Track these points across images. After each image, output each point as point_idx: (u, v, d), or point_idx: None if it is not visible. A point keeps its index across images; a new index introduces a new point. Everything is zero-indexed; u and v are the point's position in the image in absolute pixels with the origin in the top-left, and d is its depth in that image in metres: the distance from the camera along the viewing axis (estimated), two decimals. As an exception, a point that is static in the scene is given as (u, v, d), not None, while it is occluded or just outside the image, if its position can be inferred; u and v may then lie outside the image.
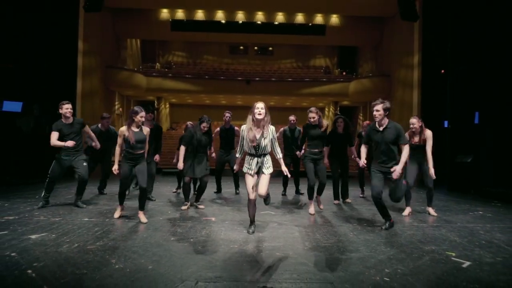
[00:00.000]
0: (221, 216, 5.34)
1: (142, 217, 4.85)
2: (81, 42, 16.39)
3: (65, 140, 5.40)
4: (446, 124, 11.61)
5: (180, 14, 22.01)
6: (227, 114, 7.47)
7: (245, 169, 4.25)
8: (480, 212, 6.13)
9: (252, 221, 4.42)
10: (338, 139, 6.44)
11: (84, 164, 5.68)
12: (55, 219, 4.87)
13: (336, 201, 6.77)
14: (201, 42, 26.41)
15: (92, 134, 6.03)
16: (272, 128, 4.20)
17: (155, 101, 25.76)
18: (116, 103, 22.84)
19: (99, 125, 6.98)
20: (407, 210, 5.80)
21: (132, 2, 19.72)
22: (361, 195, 7.83)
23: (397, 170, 4.37)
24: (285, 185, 7.82)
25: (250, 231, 4.32)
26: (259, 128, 4.14)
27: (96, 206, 5.96)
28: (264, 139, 4.12)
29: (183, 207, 5.91)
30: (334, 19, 22.45)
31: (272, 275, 2.95)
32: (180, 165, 5.60)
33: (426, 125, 5.62)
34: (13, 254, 3.32)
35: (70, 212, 5.41)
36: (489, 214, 5.99)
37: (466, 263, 3.34)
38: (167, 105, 27.63)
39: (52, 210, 5.49)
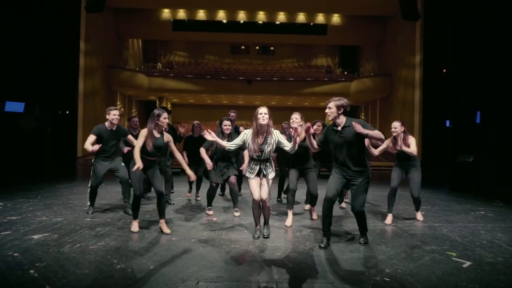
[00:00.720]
0: (223, 216, 5.35)
1: (164, 227, 4.30)
2: (82, 42, 16.46)
3: (103, 146, 5.15)
4: (447, 123, 11.60)
5: (181, 14, 22.05)
6: (232, 114, 7.28)
7: (247, 174, 4.19)
8: (482, 212, 6.13)
9: (257, 224, 4.23)
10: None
11: (122, 164, 5.42)
12: (57, 219, 4.89)
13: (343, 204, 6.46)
14: (203, 42, 26.45)
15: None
16: (276, 132, 4.11)
17: (157, 101, 25.82)
18: (118, 103, 22.90)
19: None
20: (389, 218, 5.10)
21: (134, 2, 19.78)
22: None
23: (358, 126, 3.59)
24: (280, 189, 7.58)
25: (256, 236, 4.13)
26: (262, 135, 4.05)
27: (98, 207, 5.98)
28: (267, 146, 4.05)
29: (208, 212, 5.55)
30: (336, 18, 22.45)
31: (273, 275, 2.97)
32: (209, 163, 5.13)
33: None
34: (15, 254, 3.35)
35: (73, 212, 5.44)
36: (491, 214, 5.99)
37: (467, 263, 3.34)
38: (169, 105, 27.68)
39: (55, 210, 5.52)
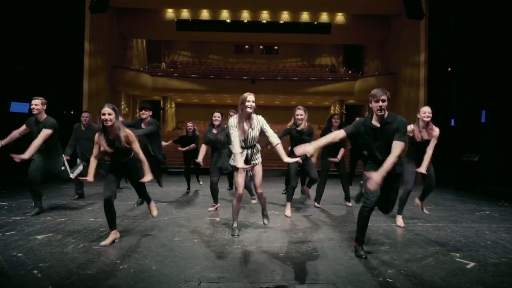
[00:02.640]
0: (225, 216, 5.35)
1: (153, 209, 4.39)
2: (87, 43, 16.52)
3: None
4: (452, 122, 11.53)
5: (185, 14, 22.07)
6: (232, 113, 7.45)
7: (232, 162, 4.16)
8: (487, 212, 6.08)
9: (235, 221, 4.27)
10: None
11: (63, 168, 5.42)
12: (61, 219, 4.92)
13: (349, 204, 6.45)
14: (207, 42, 26.46)
15: None
16: (260, 117, 4.14)
17: (161, 101, 25.90)
18: (122, 103, 22.98)
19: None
20: (400, 219, 4.95)
21: (138, 2, 19.81)
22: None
23: (375, 178, 3.16)
24: (287, 184, 7.71)
25: (236, 234, 4.15)
26: (248, 120, 4.09)
27: (102, 207, 6.00)
28: (253, 130, 4.09)
29: (211, 209, 5.80)
30: (339, 17, 22.36)
31: (275, 276, 2.96)
32: (200, 160, 5.64)
33: (433, 123, 5.10)
34: (19, 254, 3.37)
35: (77, 212, 5.46)
36: (496, 214, 5.94)
37: (471, 264, 3.32)
38: (173, 105, 27.73)
39: (59, 210, 5.56)
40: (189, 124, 8.11)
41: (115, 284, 2.75)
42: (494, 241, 4.15)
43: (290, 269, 3.13)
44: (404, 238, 4.23)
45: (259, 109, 4.23)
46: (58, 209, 5.70)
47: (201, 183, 8.76)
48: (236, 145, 4.00)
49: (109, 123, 3.65)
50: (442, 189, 9.30)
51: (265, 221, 4.51)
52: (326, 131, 5.97)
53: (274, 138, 4.07)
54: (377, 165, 3.35)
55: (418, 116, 4.82)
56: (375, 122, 3.44)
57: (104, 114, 3.64)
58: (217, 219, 5.19)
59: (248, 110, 4.01)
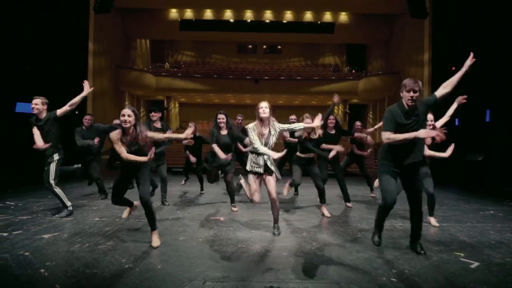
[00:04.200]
0: (229, 216, 5.38)
1: (155, 239, 3.78)
2: (91, 43, 16.62)
3: None
4: (457, 122, 11.49)
5: (188, 13, 22.11)
6: (239, 118, 7.50)
7: (250, 168, 4.26)
8: (491, 212, 6.06)
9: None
10: (329, 139, 6.03)
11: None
12: (67, 218, 4.96)
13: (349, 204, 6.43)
14: (210, 42, 26.50)
15: None
16: (276, 122, 4.29)
17: (165, 101, 25.96)
18: (126, 103, 23.06)
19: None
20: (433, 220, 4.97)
21: (141, 2, 19.87)
22: (372, 195, 7.70)
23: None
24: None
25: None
26: (266, 127, 4.23)
27: (107, 206, 6.05)
28: (272, 136, 4.23)
29: (234, 209, 5.79)
30: (343, 16, 22.33)
31: (279, 275, 2.98)
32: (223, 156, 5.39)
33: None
34: (26, 253, 3.41)
35: (82, 212, 5.51)
36: (500, 213, 5.92)
37: (475, 264, 3.32)
38: (176, 105, 27.79)
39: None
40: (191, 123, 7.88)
41: (121, 283, 2.77)
42: (498, 241, 4.15)
43: (294, 268, 3.15)
44: (407, 238, 4.22)
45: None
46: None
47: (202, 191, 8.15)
48: (258, 144, 4.12)
49: (128, 125, 3.65)
50: (446, 188, 9.26)
51: (276, 232, 4.27)
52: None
53: (299, 124, 4.34)
54: (396, 161, 3.48)
55: None
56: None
57: (123, 115, 3.64)
58: (221, 218, 5.21)
59: (262, 115, 4.17)
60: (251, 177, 4.27)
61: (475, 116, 9.66)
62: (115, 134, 3.66)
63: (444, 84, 3.49)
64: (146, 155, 3.67)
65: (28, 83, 9.87)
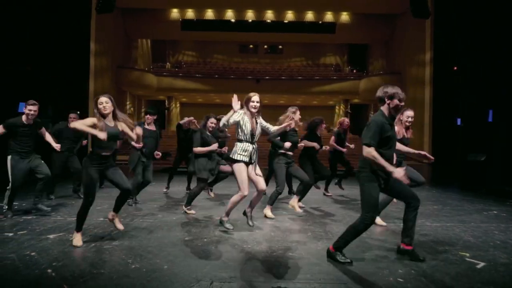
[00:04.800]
0: (232, 216, 5.36)
1: (117, 222, 4.08)
2: (92, 43, 16.62)
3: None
4: (458, 121, 11.49)
5: (190, 13, 22.13)
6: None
7: (240, 157, 4.15)
8: (495, 212, 6.06)
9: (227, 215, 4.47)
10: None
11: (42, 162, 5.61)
12: (71, 218, 4.96)
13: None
14: (211, 41, 26.53)
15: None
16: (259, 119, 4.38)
17: (166, 100, 25.97)
18: (128, 102, 23.08)
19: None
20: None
21: (143, 2, 19.90)
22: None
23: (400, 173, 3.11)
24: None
25: (231, 227, 4.40)
26: (253, 118, 4.30)
27: (110, 206, 6.05)
28: (258, 126, 4.32)
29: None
30: (344, 16, 22.34)
31: (286, 275, 2.99)
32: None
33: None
34: (32, 253, 3.42)
35: (86, 211, 5.50)
36: (504, 213, 5.92)
37: (481, 264, 3.32)
38: (178, 105, 27.82)
39: (69, 210, 5.61)
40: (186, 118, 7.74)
41: (128, 283, 2.78)
42: (503, 241, 4.15)
43: (300, 268, 3.15)
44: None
45: (263, 109, 4.35)
46: (67, 208, 5.75)
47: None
48: (226, 122, 4.11)
49: (107, 111, 3.72)
50: (448, 189, 9.26)
51: (251, 223, 4.52)
52: (309, 136, 6.07)
53: (273, 128, 4.48)
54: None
55: (401, 119, 4.77)
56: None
57: (101, 103, 3.71)
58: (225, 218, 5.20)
59: (252, 110, 4.23)
60: (240, 166, 4.15)
61: (477, 116, 9.65)
62: (94, 120, 3.64)
63: None
64: (114, 146, 3.87)
65: (31, 83, 9.87)
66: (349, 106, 25.85)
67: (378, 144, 3.20)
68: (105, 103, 3.72)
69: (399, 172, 3.09)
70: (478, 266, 3.27)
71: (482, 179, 8.99)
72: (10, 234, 4.07)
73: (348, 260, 3.27)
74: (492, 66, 9.43)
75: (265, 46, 28.16)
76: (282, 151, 5.32)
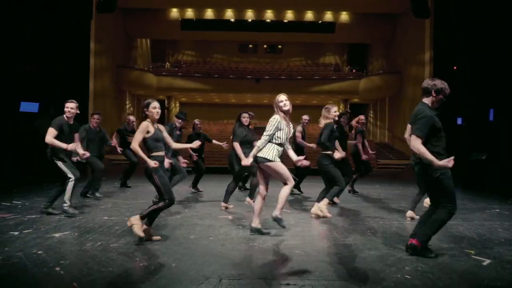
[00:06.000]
0: (237, 215, 5.39)
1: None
2: (92, 43, 16.59)
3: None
4: (459, 121, 11.52)
5: (189, 13, 22.12)
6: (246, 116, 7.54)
7: (277, 159, 4.14)
8: (497, 210, 6.09)
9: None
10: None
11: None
12: (75, 217, 4.97)
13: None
14: (211, 41, 26.54)
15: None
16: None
17: (166, 100, 25.96)
18: (127, 102, 23.07)
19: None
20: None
21: (143, 2, 19.89)
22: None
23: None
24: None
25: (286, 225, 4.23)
26: (287, 122, 4.23)
27: (114, 205, 6.07)
28: (291, 129, 4.31)
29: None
30: (344, 16, 22.36)
31: (294, 273, 3.00)
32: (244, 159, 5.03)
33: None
34: (39, 252, 3.41)
35: (90, 211, 5.52)
36: (506, 212, 5.95)
37: (487, 261, 3.34)
38: (177, 104, 27.80)
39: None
40: (197, 122, 7.91)
41: (137, 281, 2.79)
42: (507, 238, 4.17)
43: (307, 266, 3.16)
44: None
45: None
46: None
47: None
48: (267, 136, 4.09)
49: (158, 116, 3.89)
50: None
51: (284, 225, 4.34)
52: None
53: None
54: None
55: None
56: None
57: (155, 108, 3.82)
58: (230, 217, 5.23)
59: (285, 108, 4.16)
60: (278, 162, 4.11)
61: (478, 115, 9.68)
62: (145, 124, 3.79)
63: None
64: None
65: (32, 82, 9.87)
66: (348, 106, 25.89)
67: (427, 136, 3.29)
68: (158, 108, 3.87)
69: (444, 163, 3.22)
70: (484, 264, 3.29)
71: (483, 178, 9.03)
72: (16, 233, 4.07)
73: (434, 255, 3.38)
74: (492, 66, 9.46)
75: (265, 46, 28.18)
76: (329, 152, 5.35)
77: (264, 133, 4.11)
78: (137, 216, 3.74)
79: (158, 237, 3.90)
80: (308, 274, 2.97)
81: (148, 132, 3.77)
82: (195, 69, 25.40)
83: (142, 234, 3.69)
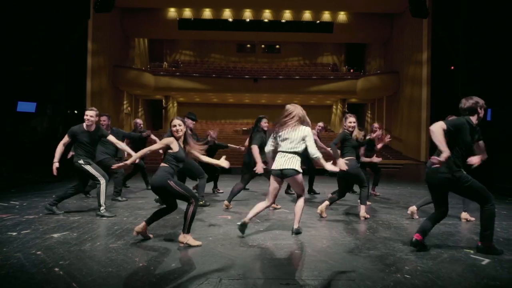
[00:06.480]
0: (236, 215, 5.38)
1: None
2: (90, 43, 16.55)
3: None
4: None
5: (187, 13, 22.09)
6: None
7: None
8: (495, 210, 6.10)
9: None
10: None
11: None
12: (74, 218, 4.95)
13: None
14: (209, 41, 26.51)
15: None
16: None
17: (163, 100, 25.91)
18: (125, 102, 23.00)
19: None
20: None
21: (140, 2, 19.85)
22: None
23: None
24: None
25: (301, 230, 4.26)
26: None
27: (112, 206, 6.05)
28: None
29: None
30: (342, 16, 22.38)
31: (294, 273, 3.00)
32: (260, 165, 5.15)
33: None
34: (38, 252, 3.40)
35: (88, 211, 5.49)
36: (504, 211, 5.98)
37: (486, 260, 3.35)
38: (175, 104, 27.75)
39: (71, 209, 5.59)
40: (211, 132, 7.76)
41: (138, 281, 2.78)
42: (506, 238, 4.20)
43: (307, 266, 3.16)
44: (416, 236, 4.25)
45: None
46: (69, 207, 5.73)
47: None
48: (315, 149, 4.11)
49: (180, 133, 3.81)
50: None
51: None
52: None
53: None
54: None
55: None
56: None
57: (175, 126, 3.78)
58: (229, 217, 5.22)
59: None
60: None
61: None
62: (169, 140, 3.78)
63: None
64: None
65: (30, 82, 9.84)
66: (346, 106, 25.92)
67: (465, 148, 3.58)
68: (178, 125, 3.80)
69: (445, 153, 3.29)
70: (483, 263, 3.30)
71: (482, 178, 9.04)
72: (14, 234, 4.05)
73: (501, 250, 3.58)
74: (490, 66, 9.49)
75: (263, 46, 28.17)
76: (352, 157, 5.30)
77: (311, 144, 4.07)
78: (182, 234, 3.74)
79: (151, 235, 3.97)
80: (308, 274, 2.97)
81: (170, 148, 3.75)
82: (193, 68, 25.37)
83: (199, 242, 3.72)
